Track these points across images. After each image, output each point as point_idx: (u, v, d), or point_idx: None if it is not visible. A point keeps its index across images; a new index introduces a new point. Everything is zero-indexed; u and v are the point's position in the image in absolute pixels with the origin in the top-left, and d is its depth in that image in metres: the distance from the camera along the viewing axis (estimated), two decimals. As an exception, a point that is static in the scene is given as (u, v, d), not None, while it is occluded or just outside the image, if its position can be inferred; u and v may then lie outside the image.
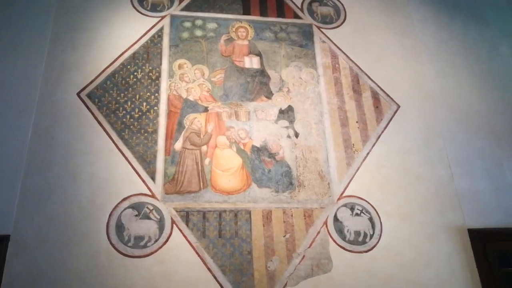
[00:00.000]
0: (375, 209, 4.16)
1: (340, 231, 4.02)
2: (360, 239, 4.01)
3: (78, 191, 3.82)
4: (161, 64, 4.52)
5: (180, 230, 3.80)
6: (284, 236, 3.92)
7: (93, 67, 4.39)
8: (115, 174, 3.94)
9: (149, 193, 3.92)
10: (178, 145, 4.17)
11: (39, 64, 4.29)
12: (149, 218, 3.81)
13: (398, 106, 4.74)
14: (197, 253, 3.73)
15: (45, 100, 4.15)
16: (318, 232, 3.98)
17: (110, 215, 3.77)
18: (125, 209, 3.81)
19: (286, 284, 3.72)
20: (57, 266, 3.51)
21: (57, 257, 3.54)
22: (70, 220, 3.70)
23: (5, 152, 3.86)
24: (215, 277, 3.66)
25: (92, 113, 4.17)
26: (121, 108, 4.25)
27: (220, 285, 3.64)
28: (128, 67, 4.46)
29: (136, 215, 3.80)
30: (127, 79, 4.40)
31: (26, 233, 3.59)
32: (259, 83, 4.61)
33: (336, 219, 4.07)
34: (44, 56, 4.34)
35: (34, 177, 3.81)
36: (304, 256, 3.86)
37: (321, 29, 5.06)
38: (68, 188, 3.82)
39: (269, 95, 4.57)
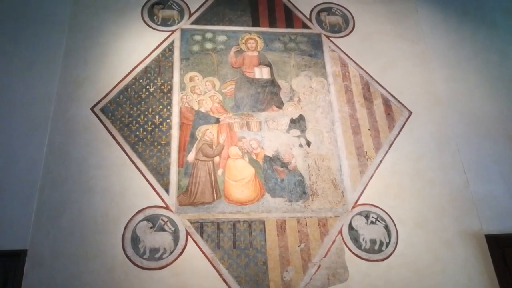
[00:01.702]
0: (390, 217, 4.12)
1: (355, 239, 3.98)
2: (376, 247, 3.97)
3: (92, 205, 3.85)
4: (172, 77, 4.58)
5: (195, 242, 3.81)
6: (299, 246, 3.89)
7: (106, 82, 4.46)
8: (129, 187, 3.97)
9: (163, 205, 3.94)
10: (191, 157, 4.20)
11: (52, 80, 4.38)
12: (164, 230, 3.82)
13: (410, 113, 4.72)
14: (212, 264, 3.72)
15: (59, 116, 4.22)
16: (333, 241, 3.95)
17: (125, 228, 3.79)
18: (140, 221, 3.83)
19: (302, 294, 3.70)
20: (73, 280, 3.53)
21: (73, 271, 3.56)
22: (86, 233, 3.73)
23: (21, 167, 3.93)
24: (230, 288, 3.66)
25: (106, 127, 4.22)
26: (134, 122, 4.30)
27: (236, 296, 3.63)
28: (140, 81, 4.52)
29: (151, 227, 3.82)
30: (140, 93, 4.45)
31: (43, 247, 3.63)
32: (269, 93, 4.64)
33: (351, 227, 4.04)
34: (58, 73, 4.42)
35: (49, 192, 3.86)
36: (319, 265, 3.83)
37: (330, 38, 5.09)
38: (83, 202, 3.86)
39: (280, 104, 4.59)
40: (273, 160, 4.28)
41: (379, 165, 4.38)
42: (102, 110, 4.31)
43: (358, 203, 4.17)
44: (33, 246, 3.62)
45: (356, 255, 3.92)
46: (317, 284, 3.75)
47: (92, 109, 4.30)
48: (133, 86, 4.48)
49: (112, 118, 4.29)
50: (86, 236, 3.72)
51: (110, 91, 4.42)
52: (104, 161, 4.06)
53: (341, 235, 3.99)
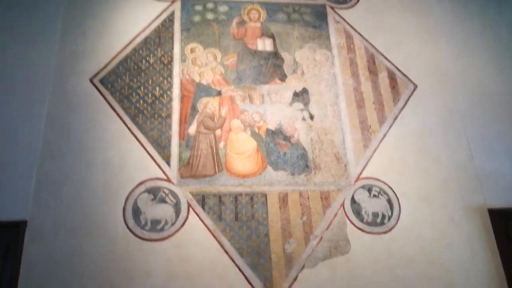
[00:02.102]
0: (393, 191, 4.08)
1: (357, 212, 3.95)
2: (379, 220, 3.94)
3: (93, 177, 3.81)
4: (173, 48, 4.48)
5: (197, 214, 3.78)
6: (301, 219, 3.87)
7: (105, 53, 4.35)
8: (130, 160, 3.92)
9: (164, 177, 3.90)
10: (192, 129, 4.13)
11: (50, 52, 4.27)
12: (165, 202, 3.79)
13: (415, 86, 4.63)
14: (214, 236, 3.71)
15: (58, 88, 4.13)
16: (336, 214, 3.93)
17: (126, 199, 3.76)
18: (141, 193, 3.80)
19: (304, 266, 3.69)
20: (75, 252, 3.51)
21: (74, 243, 3.54)
22: (86, 206, 3.70)
23: (21, 140, 3.87)
24: (232, 260, 3.64)
25: (105, 99, 4.14)
26: (134, 93, 4.22)
27: (238, 267, 3.62)
28: (140, 52, 4.42)
29: (152, 199, 3.79)
30: (139, 64, 4.36)
31: (43, 219, 3.60)
32: (272, 66, 4.54)
33: (353, 201, 4.00)
34: (56, 45, 4.31)
35: (49, 164, 3.81)
36: (321, 238, 3.81)
37: (335, 9, 4.95)
38: (83, 174, 3.81)
39: (283, 77, 4.50)
40: (276, 134, 4.21)
41: (383, 139, 4.31)
42: (101, 81, 4.22)
43: (361, 176, 4.13)
44: (33, 218, 3.60)
45: (358, 228, 3.90)
46: (319, 256, 3.73)
47: (91, 80, 4.21)
48: (133, 57, 4.38)
49: (112, 89, 4.20)
50: (87, 208, 3.69)
51: (109, 62, 4.32)
52: (104, 134, 4.00)
53: (343, 208, 3.96)
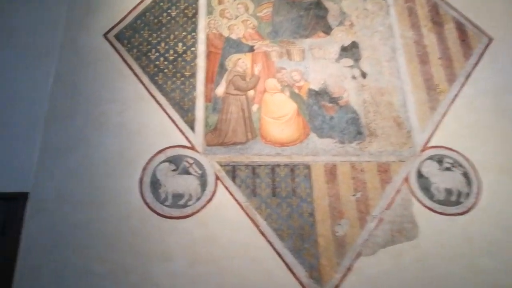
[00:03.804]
0: (469, 162, 3.27)
1: (426, 189, 3.18)
2: (453, 198, 3.15)
3: (105, 144, 3.26)
4: (198, -1, 3.88)
5: (226, 187, 3.14)
6: (353, 195, 3.14)
7: (121, 5, 3.85)
8: (148, 124, 3.36)
9: (188, 144, 3.28)
10: (220, 90, 3.50)
11: (61, 5, 3.81)
12: (189, 173, 3.17)
13: (490, 39, 3.79)
14: (246, 214, 3.05)
15: (68, 44, 3.66)
16: (398, 191, 3.17)
17: (143, 170, 3.17)
18: (160, 163, 3.20)
19: (360, 253, 2.95)
20: (81, 228, 2.96)
21: (81, 218, 2.99)
22: (97, 176, 3.14)
23: (24, 102, 3.37)
24: (270, 243, 2.96)
25: (121, 56, 3.62)
26: (153, 50, 3.65)
27: (277, 252, 2.93)
28: (161, 4, 3.87)
29: (173, 170, 3.18)
30: (160, 18, 3.79)
31: (47, 191, 3.08)
32: (314, 17, 3.84)
33: (420, 174, 3.23)
34: (67, -3, 3.83)
35: (55, 129, 3.30)
36: (381, 219, 3.06)
37: (388, -50, 4.17)
38: (93, 140, 3.27)
39: (327, 30, 3.80)
40: (320, 94, 3.51)
41: (453, 100, 3.52)
42: (116, 37, 3.69)
43: (428, 145, 3.35)
44: (35, 189, 3.07)
45: (428, 207, 3.12)
46: (378, 241, 2.99)
47: (105, 35, 3.70)
48: (152, 10, 3.83)
49: (128, 46, 3.66)
50: (97, 179, 3.13)
51: (126, 15, 3.80)
52: (119, 95, 3.47)
53: (408, 183, 3.20)
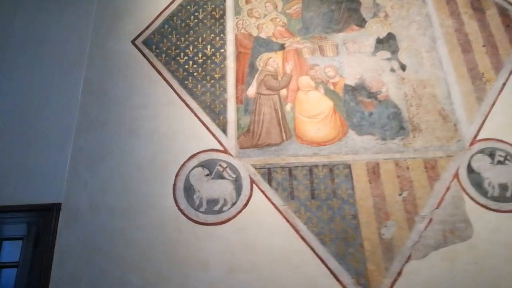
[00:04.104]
0: (525, 154, 3.01)
1: (478, 185, 2.93)
2: (508, 194, 2.89)
3: (137, 151, 3.18)
4: (225, 0, 3.77)
5: (262, 191, 2.99)
6: (400, 195, 2.93)
7: (148, 11, 3.78)
8: (179, 129, 3.25)
9: (220, 148, 3.16)
10: (251, 91, 3.38)
11: (89, 13, 3.78)
12: (223, 178, 3.05)
13: (538, 22, 3.53)
14: (285, 218, 2.88)
15: (96, 51, 3.61)
16: (448, 188, 2.93)
17: (176, 175, 3.06)
18: (193, 168, 3.09)
19: (410, 257, 2.73)
20: (115, 237, 2.87)
21: (115, 227, 2.90)
22: (130, 184, 3.05)
23: (54, 110, 3.34)
24: (311, 248, 2.78)
25: (150, 62, 3.54)
26: (182, 54, 3.57)
27: (319, 257, 2.75)
28: (188, 7, 3.78)
29: (207, 175, 3.06)
30: (187, 21, 3.71)
31: (79, 200, 3.01)
32: (347, 10, 3.67)
33: (470, 169, 2.99)
34: (94, 4, 3.82)
35: (86, 137, 3.25)
36: (431, 219, 2.83)
37: None
38: (125, 147, 3.19)
39: (361, 23, 3.62)
40: (357, 90, 3.32)
41: (502, 88, 3.27)
42: (144, 42, 3.63)
43: (477, 138, 3.10)
44: (68, 199, 3.01)
45: (481, 204, 2.87)
46: (430, 243, 2.76)
47: (133, 42, 3.64)
48: (179, 14, 3.75)
49: (157, 51, 3.59)
50: (129, 186, 3.04)
51: (153, 21, 3.72)
52: (149, 100, 3.38)
53: (458, 179, 2.96)
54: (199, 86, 3.42)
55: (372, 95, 3.30)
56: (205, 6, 3.77)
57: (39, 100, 3.36)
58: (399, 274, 2.69)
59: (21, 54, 3.56)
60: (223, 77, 3.45)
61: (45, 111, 3.31)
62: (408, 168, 3.02)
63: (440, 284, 2.67)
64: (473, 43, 3.47)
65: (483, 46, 3.45)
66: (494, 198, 2.88)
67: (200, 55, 3.56)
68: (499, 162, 2.99)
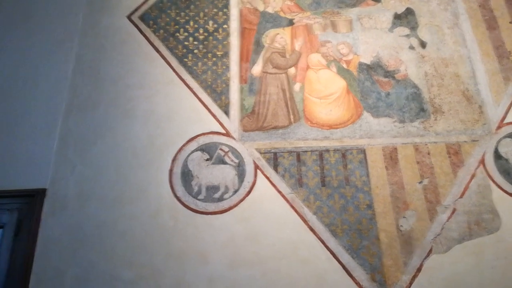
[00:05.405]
0: (559, 140, 2.73)
1: (506, 172, 2.65)
2: (541, 182, 2.62)
3: (131, 133, 2.93)
4: (228, -27, 3.52)
5: (267, 177, 2.73)
6: (420, 183, 2.66)
7: (146, -16, 3.50)
8: (178, 110, 3.00)
9: (222, 131, 2.90)
10: (256, 70, 3.11)
11: (81, -13, 3.51)
12: (225, 163, 2.79)
13: None
14: (292, 207, 2.62)
15: (89, 27, 3.36)
16: (473, 175, 2.66)
17: (173, 160, 2.81)
18: (192, 152, 2.84)
19: (431, 251, 2.46)
20: (106, 227, 2.61)
21: (106, 216, 2.65)
22: (122, 169, 2.80)
23: (42, 89, 3.08)
24: (321, 241, 2.52)
25: (147, 38, 3.28)
26: (182, 30, 3.30)
27: (330, 251, 2.48)
28: (188, -20, 3.51)
29: (207, 160, 2.80)
30: (188, -5, 3.45)
31: (67, 186, 2.76)
32: (361, -17, 3.40)
33: (498, 155, 2.71)
34: (87, -24, 3.55)
35: (76, 118, 2.99)
36: (454, 209, 2.56)
37: None
38: (119, 129, 2.94)
39: (377, -4, 3.35)
40: (373, 68, 3.05)
41: (532, 67, 2.99)
42: (141, 17, 3.37)
43: (505, 121, 2.82)
44: (54, 185, 2.76)
45: (510, 194, 2.60)
46: (453, 236, 2.49)
47: (129, 17, 3.39)
48: (180, -13, 3.48)
49: (154, 26, 3.32)
50: (122, 172, 2.79)
51: (151, -5, 3.46)
52: (146, 79, 3.12)
53: (484, 166, 2.68)
54: (199, 64, 3.16)
55: (389, 74, 3.02)
56: (207, -21, 3.51)
57: (26, 79, 3.10)
58: (418, 270, 2.43)
59: (7, 29, 3.31)
60: (225, 54, 3.19)
61: (32, 90, 3.06)
62: (429, 153, 2.74)
63: (465, 281, 2.40)
64: (499, 20, 3.18)
65: (510, 22, 3.16)
66: (524, 187, 2.61)
67: (201, 31, 3.29)
68: (530, 148, 2.72)
